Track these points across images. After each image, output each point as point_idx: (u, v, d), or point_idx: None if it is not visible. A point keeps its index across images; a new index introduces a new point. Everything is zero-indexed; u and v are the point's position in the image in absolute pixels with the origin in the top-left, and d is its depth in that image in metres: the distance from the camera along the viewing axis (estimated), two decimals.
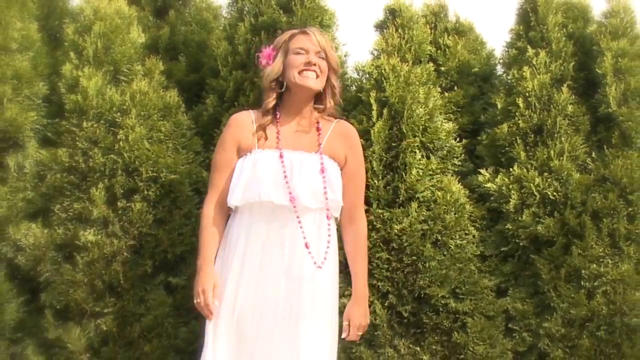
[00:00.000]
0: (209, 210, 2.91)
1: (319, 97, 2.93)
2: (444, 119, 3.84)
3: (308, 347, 2.76)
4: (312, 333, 2.79)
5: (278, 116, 2.90)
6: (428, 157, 3.71)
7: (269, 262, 2.78)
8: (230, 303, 2.79)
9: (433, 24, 4.22)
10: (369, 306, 3.40)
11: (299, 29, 2.99)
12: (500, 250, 3.76)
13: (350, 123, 3.34)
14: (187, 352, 3.51)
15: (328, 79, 2.90)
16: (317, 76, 2.84)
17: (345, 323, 2.85)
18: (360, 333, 2.93)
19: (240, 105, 3.73)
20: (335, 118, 3.02)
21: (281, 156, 2.81)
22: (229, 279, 2.83)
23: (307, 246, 2.76)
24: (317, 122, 2.92)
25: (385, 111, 3.66)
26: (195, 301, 2.86)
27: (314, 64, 2.82)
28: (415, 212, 3.57)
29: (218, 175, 2.92)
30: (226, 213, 2.93)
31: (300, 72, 2.83)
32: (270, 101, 2.87)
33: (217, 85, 3.91)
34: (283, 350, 2.77)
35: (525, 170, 3.73)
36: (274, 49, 2.94)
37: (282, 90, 2.90)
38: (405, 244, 3.54)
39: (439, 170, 3.72)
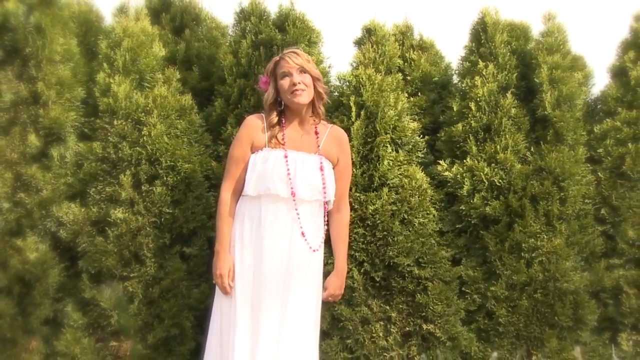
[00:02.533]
0: (226, 197, 2.99)
1: (312, 103, 3.02)
2: (410, 119, 3.85)
3: (296, 309, 2.89)
4: (302, 298, 2.91)
5: (284, 122, 2.99)
6: (397, 151, 3.75)
7: (275, 240, 2.90)
8: (248, 271, 2.91)
9: (401, 41, 4.17)
10: (347, 272, 3.42)
11: (279, 55, 3.05)
12: (455, 227, 3.79)
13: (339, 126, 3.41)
14: (198, 309, 3.60)
15: (314, 87, 2.97)
16: (304, 90, 2.92)
17: (323, 288, 3.01)
18: (332, 300, 3.09)
19: (242, 107, 3.82)
20: (330, 123, 3.14)
21: (286, 156, 2.91)
22: (245, 252, 2.93)
23: (303, 235, 2.88)
24: (316, 127, 3.03)
25: (362, 112, 3.71)
26: (214, 281, 2.97)
27: (299, 82, 2.91)
28: (386, 195, 3.63)
29: (235, 166, 2.98)
30: (239, 197, 3.00)
31: (291, 94, 2.91)
32: (273, 118, 2.97)
33: (224, 91, 3.95)
34: (279, 307, 2.87)
35: (476, 161, 3.76)
36: (266, 75, 3.03)
37: (282, 107, 2.98)
38: (378, 221, 3.61)
39: (405, 162, 3.75)
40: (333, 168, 3.03)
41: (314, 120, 3.02)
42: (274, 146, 2.95)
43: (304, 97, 2.92)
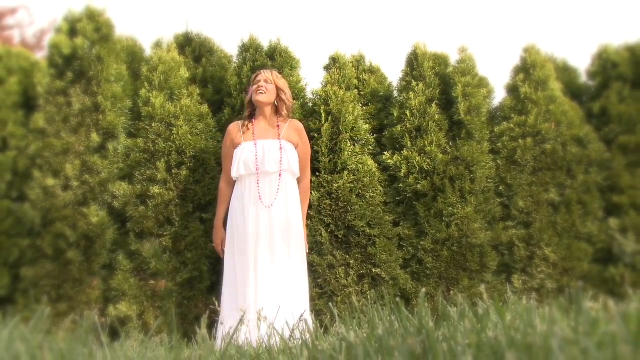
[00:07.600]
0: (221, 186, 3.35)
1: (277, 108, 3.34)
2: (363, 122, 4.10)
3: (280, 254, 3.18)
4: (282, 248, 3.16)
5: (253, 121, 3.33)
6: (354, 145, 4.01)
7: (256, 205, 3.19)
8: (242, 232, 3.18)
9: (357, 67, 4.39)
10: (318, 232, 3.78)
11: (258, 71, 3.40)
12: (395, 199, 4.05)
13: (304, 123, 3.75)
14: (212, 258, 3.79)
15: (277, 95, 3.29)
16: (264, 93, 3.25)
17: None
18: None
19: (244, 114, 3.60)
20: (289, 119, 3.43)
21: (255, 144, 3.22)
22: (239, 219, 3.20)
23: (260, 198, 3.15)
24: (278, 122, 3.33)
25: (329, 118, 3.98)
26: (213, 244, 3.36)
27: (261, 87, 3.28)
28: (346, 177, 3.90)
29: (226, 162, 3.33)
30: (232, 184, 3.27)
31: (255, 93, 3.29)
32: (247, 114, 3.35)
33: (230, 102, 4.13)
34: (267, 258, 3.17)
35: (410, 152, 4.03)
36: (250, 84, 3.40)
37: (254, 107, 3.35)
38: (340, 195, 3.88)
39: (360, 153, 4.01)
40: (296, 148, 3.28)
41: (278, 119, 3.30)
42: (247, 139, 3.22)
43: (263, 97, 3.25)
